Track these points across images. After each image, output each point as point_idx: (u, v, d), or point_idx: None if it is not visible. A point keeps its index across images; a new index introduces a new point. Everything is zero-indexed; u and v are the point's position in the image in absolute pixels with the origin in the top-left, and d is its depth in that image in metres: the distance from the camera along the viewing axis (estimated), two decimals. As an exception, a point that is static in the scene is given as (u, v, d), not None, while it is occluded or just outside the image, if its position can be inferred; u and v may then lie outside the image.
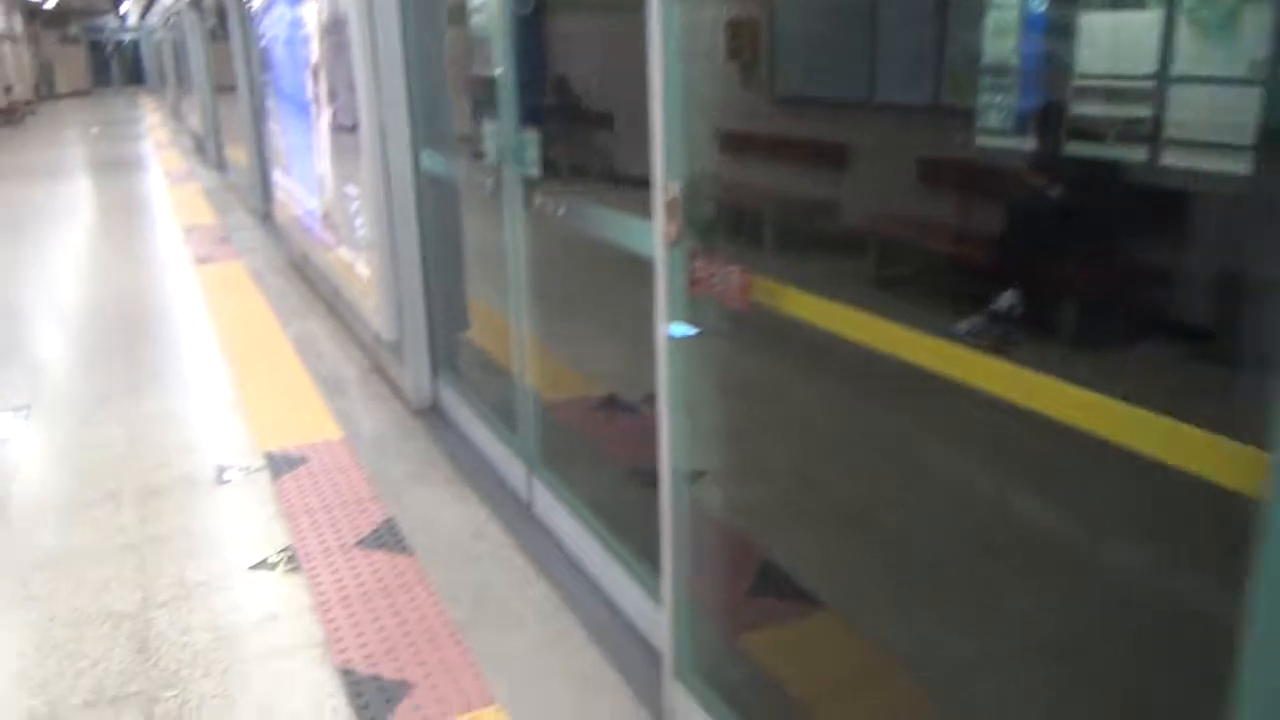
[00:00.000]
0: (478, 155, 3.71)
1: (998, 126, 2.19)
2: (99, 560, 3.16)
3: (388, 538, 3.26)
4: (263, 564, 3.11)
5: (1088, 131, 1.98)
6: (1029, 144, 2.24)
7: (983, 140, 2.21)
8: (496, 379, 3.99)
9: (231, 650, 2.67)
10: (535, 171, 2.87)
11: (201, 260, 7.58)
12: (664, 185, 1.94)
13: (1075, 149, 2.08)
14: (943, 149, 2.56)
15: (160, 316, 6.09)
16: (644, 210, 2.10)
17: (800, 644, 2.46)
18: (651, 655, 2.59)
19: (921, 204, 2.88)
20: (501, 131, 3.04)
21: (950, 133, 2.40)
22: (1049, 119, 2.13)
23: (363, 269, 4.56)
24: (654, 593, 2.59)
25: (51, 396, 4.70)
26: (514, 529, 3.29)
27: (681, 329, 2.02)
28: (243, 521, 3.40)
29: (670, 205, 1.93)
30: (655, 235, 2.01)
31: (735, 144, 2.18)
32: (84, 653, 2.68)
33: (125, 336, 5.65)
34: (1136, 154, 1.89)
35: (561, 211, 2.75)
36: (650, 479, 2.26)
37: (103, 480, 3.75)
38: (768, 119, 3.41)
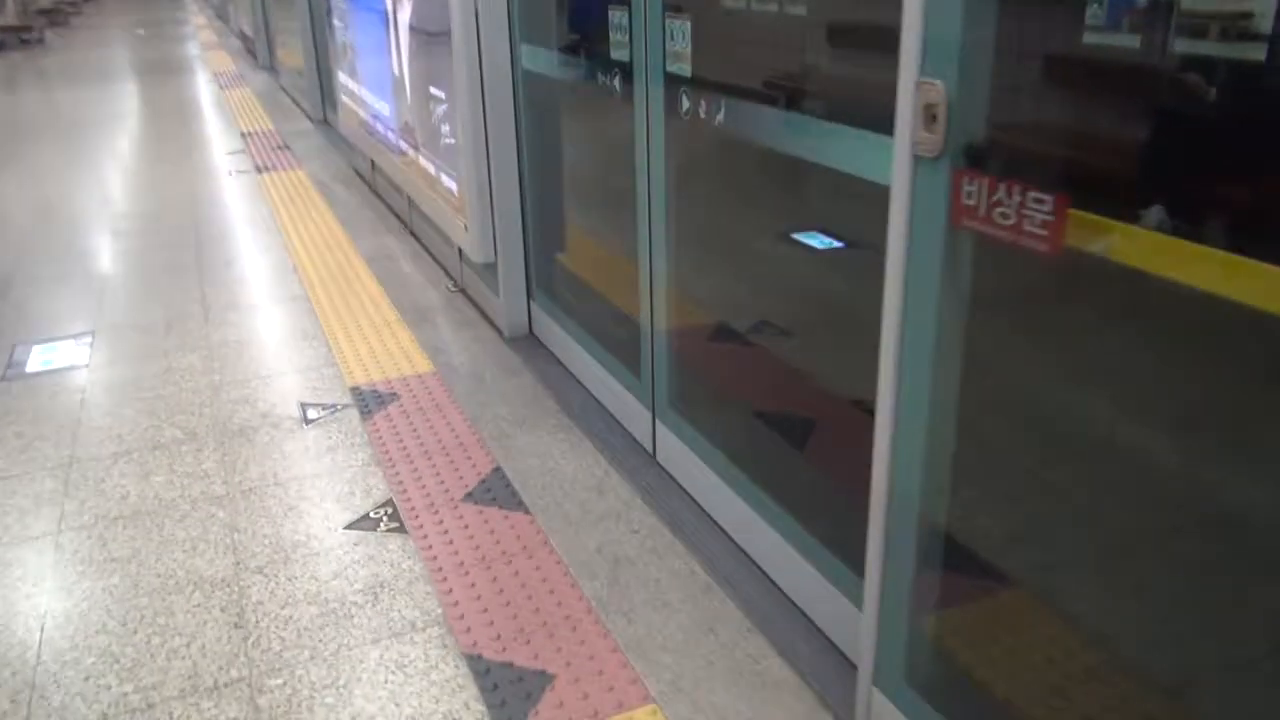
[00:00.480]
0: (588, 51, 3.21)
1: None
2: (183, 515, 2.83)
3: (499, 491, 2.89)
4: (363, 520, 2.77)
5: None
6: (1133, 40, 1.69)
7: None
8: (601, 309, 3.56)
9: (340, 629, 2.34)
10: (685, 68, 2.38)
11: (262, 168, 7.17)
12: (916, 84, 1.47)
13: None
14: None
15: (224, 231, 5.72)
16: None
17: (1019, 648, 2.06)
18: (830, 647, 2.21)
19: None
20: (641, 17, 2.54)
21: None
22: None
23: (449, 182, 4.11)
24: (831, 573, 2.20)
25: (115, 321, 4.36)
26: (638, 482, 2.91)
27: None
28: (335, 470, 3.05)
29: (928, 109, 1.46)
30: (899, 146, 1.54)
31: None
32: (175, 628, 2.36)
33: (188, 253, 5.29)
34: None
35: (721, 117, 2.27)
36: (794, 427, 1.85)
37: (179, 418, 3.41)
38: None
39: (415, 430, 3.26)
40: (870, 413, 1.75)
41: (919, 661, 1.83)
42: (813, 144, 1.99)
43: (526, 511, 2.79)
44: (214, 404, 3.51)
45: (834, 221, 3.35)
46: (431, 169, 4.38)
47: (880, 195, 1.63)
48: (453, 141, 3.97)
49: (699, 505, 2.77)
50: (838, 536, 2.20)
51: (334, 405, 3.46)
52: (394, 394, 3.53)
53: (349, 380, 3.66)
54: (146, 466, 3.10)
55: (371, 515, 2.79)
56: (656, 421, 2.97)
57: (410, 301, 4.43)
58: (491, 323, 4.15)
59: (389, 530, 2.72)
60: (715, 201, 3.31)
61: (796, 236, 3.58)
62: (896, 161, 1.56)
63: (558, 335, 3.73)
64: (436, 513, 2.79)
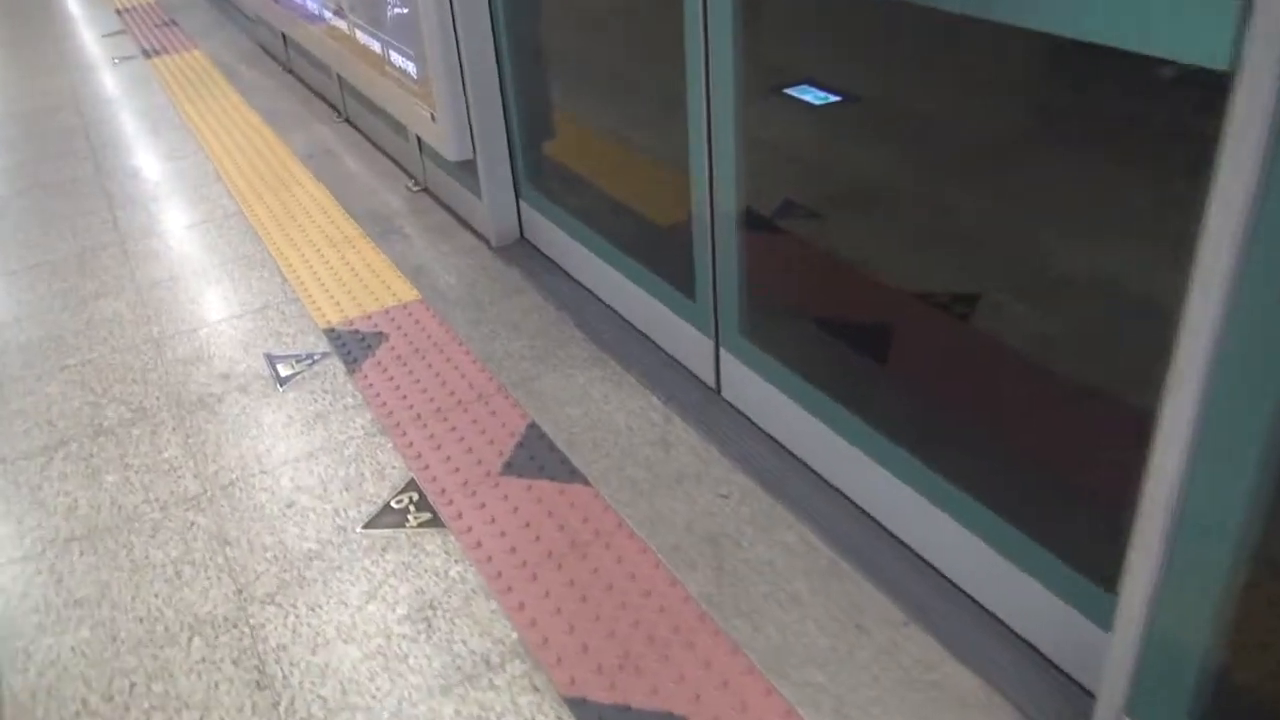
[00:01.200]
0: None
1: None
2: (154, 527, 2.26)
3: (544, 456, 2.37)
4: (385, 514, 2.24)
5: None
6: None
7: None
8: (619, 214, 2.96)
9: (394, 677, 1.84)
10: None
11: (150, 52, 6.17)
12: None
13: None
14: None
15: (121, 133, 4.85)
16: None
17: None
18: (1020, 646, 1.79)
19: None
20: None
21: None
22: None
23: (403, 62, 3.39)
24: (1012, 550, 1.76)
25: (11, 261, 3.61)
26: (709, 428, 2.41)
27: None
28: (332, 445, 2.48)
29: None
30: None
31: None
32: (179, 697, 1.84)
33: (84, 164, 4.46)
34: None
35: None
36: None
37: (120, 390, 2.78)
38: None
39: (418, 380, 2.69)
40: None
41: (1195, 689, 1.41)
42: None
43: (585, 482, 2.28)
44: (160, 366, 2.87)
45: (822, 73, 2.75)
46: (375, 46, 3.63)
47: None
48: (404, 10, 3.23)
49: (790, 452, 2.30)
50: (1014, 498, 1.75)
51: (310, 355, 2.86)
52: (379, 333, 2.93)
53: (319, 319, 3.03)
54: (92, 462, 2.49)
55: (394, 505, 2.26)
56: (721, 351, 2.45)
57: (367, 209, 3.75)
58: (472, 229, 3.52)
59: (421, 524, 2.20)
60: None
61: (789, 92, 2.99)
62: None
63: (560, 241, 3.14)
64: (474, 493, 2.27)
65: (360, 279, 3.24)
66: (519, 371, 2.70)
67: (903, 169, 1.96)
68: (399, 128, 3.90)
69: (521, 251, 3.36)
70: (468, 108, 3.16)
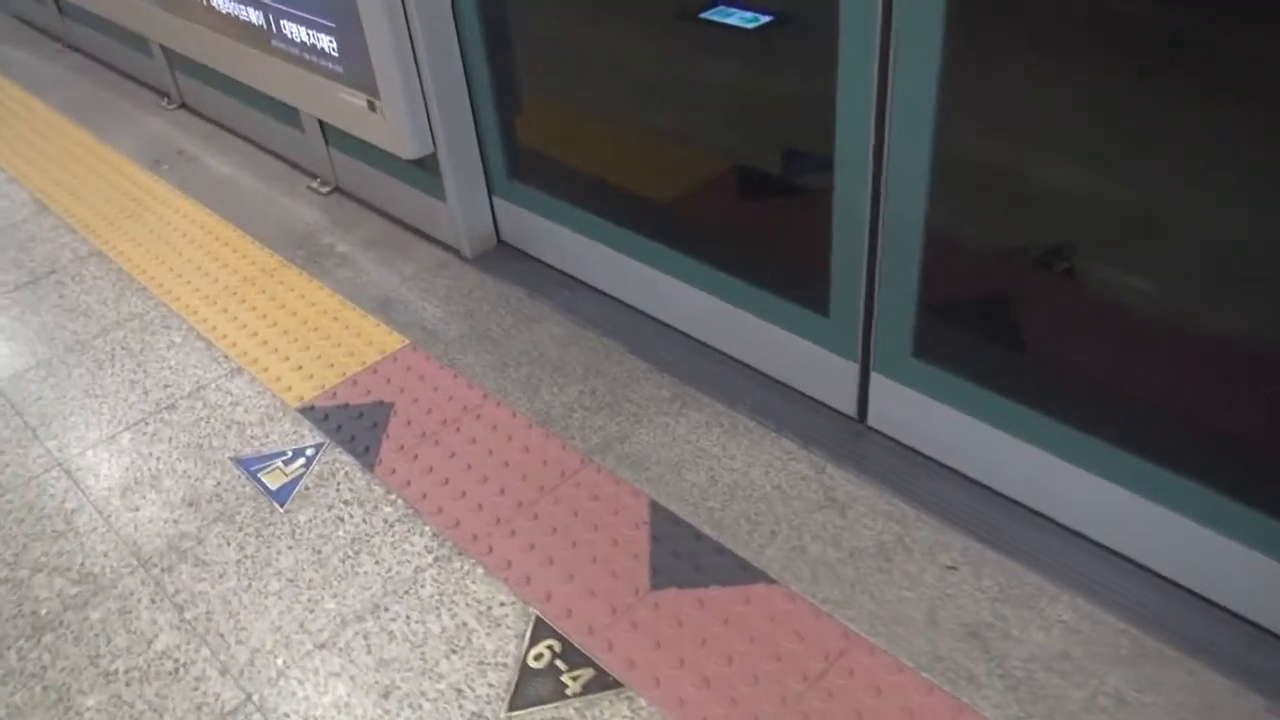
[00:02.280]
0: None
1: None
2: (203, 778, 1.57)
3: (694, 550, 1.83)
4: (527, 682, 1.64)
5: None
6: None
7: None
8: (654, 206, 2.38)
9: None
10: None
11: None
12: None
13: None
14: None
15: None
16: None
17: None
18: None
19: None
20: None
21: None
22: None
23: (306, 35, 2.59)
24: None
25: None
26: (874, 471, 1.95)
27: None
28: (398, 585, 1.83)
29: None
30: None
31: None
32: None
33: None
34: None
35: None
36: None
37: (43, 554, 1.98)
38: None
39: (468, 464, 2.06)
40: None
41: None
42: None
43: (767, 579, 1.76)
44: (86, 507, 2.07)
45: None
46: (253, 14, 2.78)
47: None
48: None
49: (986, 486, 1.87)
50: None
51: (299, 452, 2.14)
52: (379, 402, 2.25)
53: (286, 396, 2.30)
54: (50, 683, 1.73)
55: (532, 664, 1.67)
56: (874, 375, 1.97)
57: (274, 226, 2.95)
58: (430, 238, 2.82)
59: (585, 688, 1.62)
60: None
61: (706, 16, 2.49)
62: None
63: (566, 243, 2.52)
64: (633, 625, 1.71)
65: (315, 328, 2.50)
66: (595, 430, 2.11)
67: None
68: (287, 115, 3.08)
69: (506, 260, 2.70)
70: (425, 94, 2.44)
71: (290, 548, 1.91)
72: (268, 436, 2.18)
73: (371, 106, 2.53)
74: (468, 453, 2.09)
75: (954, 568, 1.76)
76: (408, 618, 1.76)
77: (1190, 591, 1.67)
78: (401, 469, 2.06)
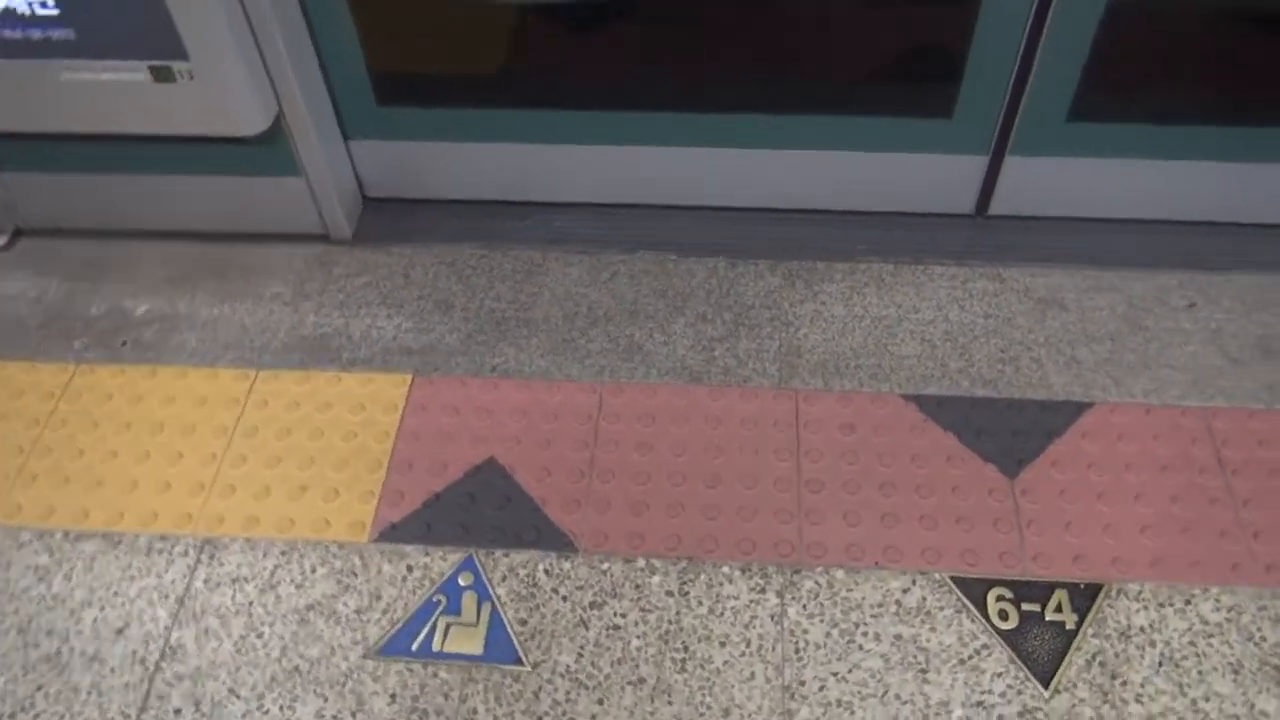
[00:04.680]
0: None
1: None
2: None
3: (1030, 414, 1.61)
4: None
5: None
6: None
7: None
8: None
9: None
10: None
11: None
12: None
13: None
14: None
15: None
16: None
17: None
18: None
19: None
20: None
21: None
22: None
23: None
24: None
25: None
26: (1028, 253, 1.85)
27: None
28: None
29: None
30: None
31: None
32: None
33: None
34: None
35: None
36: None
37: None
38: None
39: (675, 476, 1.57)
40: None
41: None
42: None
43: (1089, 405, 1.62)
44: None
45: None
46: None
47: None
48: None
49: (1175, 221, 1.88)
50: None
51: (451, 587, 1.46)
52: (470, 469, 1.58)
53: (344, 538, 1.53)
54: None
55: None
56: (1007, 160, 1.81)
57: (-12, 325, 1.84)
58: (272, 236, 1.95)
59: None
60: None
61: None
62: None
63: (493, 157, 1.91)
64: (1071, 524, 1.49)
65: (256, 430, 1.64)
66: (762, 357, 1.71)
67: None
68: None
69: (398, 220, 1.98)
70: (255, 30, 1.58)
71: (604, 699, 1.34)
72: (379, 600, 1.45)
73: (164, 76, 1.58)
74: (660, 468, 1.58)
75: (1192, 304, 1.76)
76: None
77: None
78: (605, 525, 1.50)
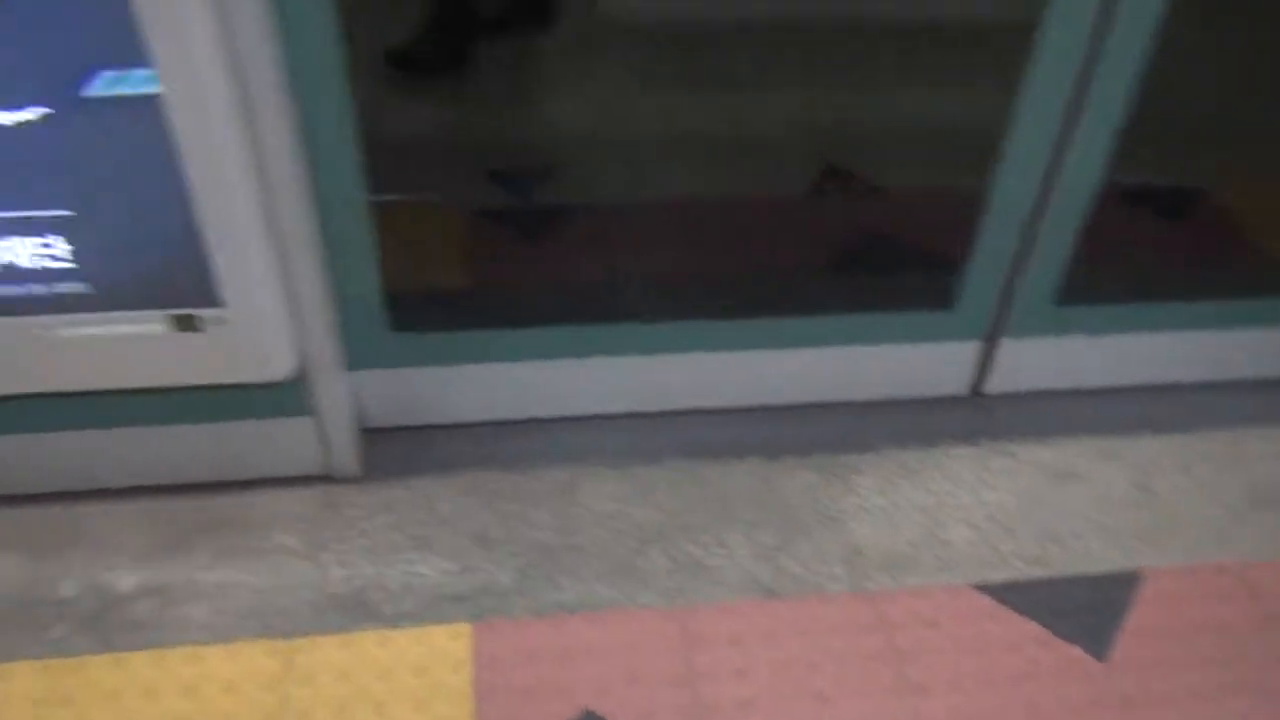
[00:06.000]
0: None
1: None
2: None
3: (1082, 591, 1.67)
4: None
5: None
6: None
7: None
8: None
9: None
10: None
11: None
12: None
13: None
14: None
15: None
16: None
17: None
18: None
19: None
20: None
21: None
22: None
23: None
24: None
25: None
26: (1037, 428, 1.97)
27: None
28: None
29: None
30: None
31: None
32: None
33: None
34: None
35: None
36: None
37: None
38: None
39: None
40: None
41: None
42: None
43: (1139, 575, 1.71)
44: None
45: None
46: None
47: None
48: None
49: (1136, 386, 2.05)
50: None
51: None
52: (565, 726, 1.45)
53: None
54: None
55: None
56: (1002, 343, 1.93)
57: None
58: (265, 482, 1.75)
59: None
60: None
61: None
62: None
63: (513, 378, 1.84)
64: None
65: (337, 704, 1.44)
66: (819, 563, 1.69)
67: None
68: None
69: (407, 450, 1.84)
70: (289, 271, 1.47)
71: None
72: None
73: (187, 325, 1.42)
74: (765, 693, 1.50)
75: (1187, 465, 1.91)
76: None
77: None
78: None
